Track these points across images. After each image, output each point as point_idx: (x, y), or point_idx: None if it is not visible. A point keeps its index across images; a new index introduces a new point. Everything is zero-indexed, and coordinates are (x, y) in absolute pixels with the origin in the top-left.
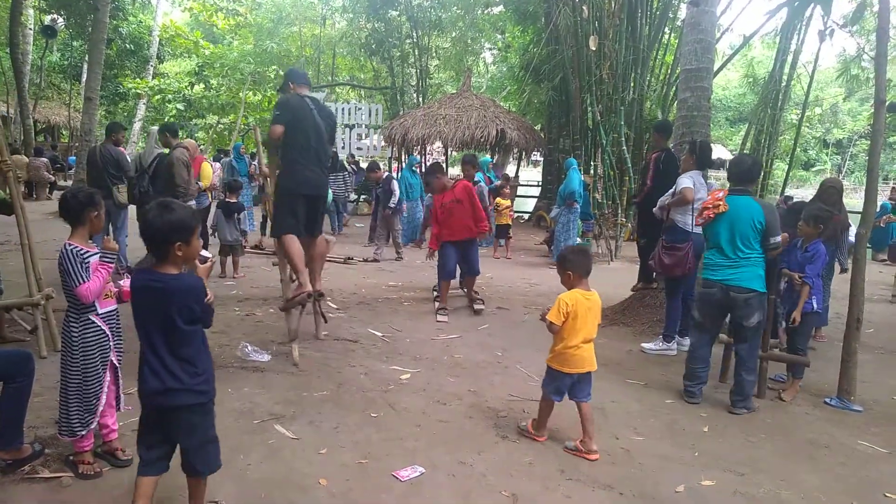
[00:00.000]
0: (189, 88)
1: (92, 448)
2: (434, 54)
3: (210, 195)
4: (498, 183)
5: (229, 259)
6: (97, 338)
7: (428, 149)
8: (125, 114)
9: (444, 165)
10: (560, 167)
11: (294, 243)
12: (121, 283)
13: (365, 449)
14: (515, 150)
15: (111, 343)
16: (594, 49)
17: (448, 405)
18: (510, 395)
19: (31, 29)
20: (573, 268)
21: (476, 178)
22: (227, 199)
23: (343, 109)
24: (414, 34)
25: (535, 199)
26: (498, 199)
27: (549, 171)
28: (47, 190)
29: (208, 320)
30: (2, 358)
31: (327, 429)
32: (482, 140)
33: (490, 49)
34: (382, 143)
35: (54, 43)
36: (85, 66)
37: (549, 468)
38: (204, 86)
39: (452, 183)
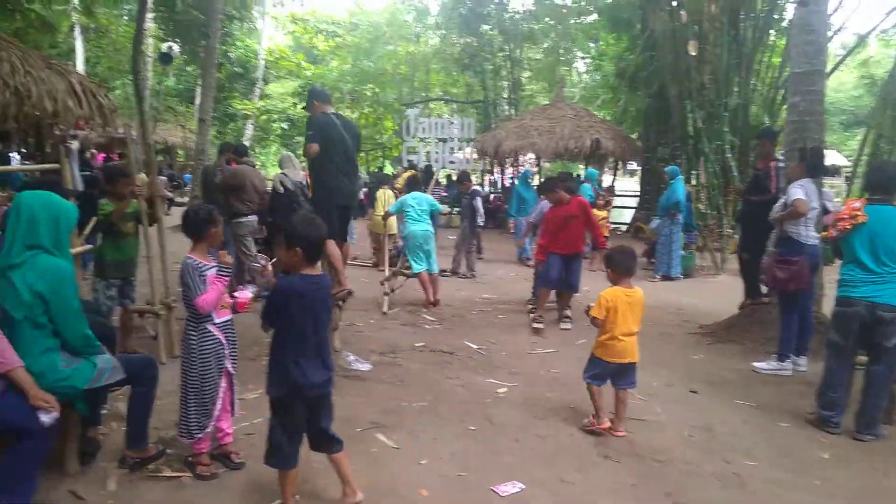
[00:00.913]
0: (292, 108)
1: (209, 450)
2: (526, 66)
3: None
4: (603, 197)
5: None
6: (213, 346)
7: (520, 160)
8: (234, 133)
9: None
10: (659, 176)
11: (334, 247)
12: (236, 294)
13: (463, 461)
14: (611, 160)
15: (226, 351)
16: (694, 54)
17: (546, 420)
18: (611, 413)
19: (150, 57)
20: (615, 267)
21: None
22: None
23: (436, 124)
24: (506, 47)
25: (633, 210)
26: (594, 211)
27: (648, 181)
28: (166, 206)
29: None
30: (130, 363)
31: (426, 439)
32: (576, 151)
33: (583, 58)
34: (475, 156)
35: (170, 69)
36: (198, 90)
37: (655, 491)
38: (305, 105)
39: (569, 198)
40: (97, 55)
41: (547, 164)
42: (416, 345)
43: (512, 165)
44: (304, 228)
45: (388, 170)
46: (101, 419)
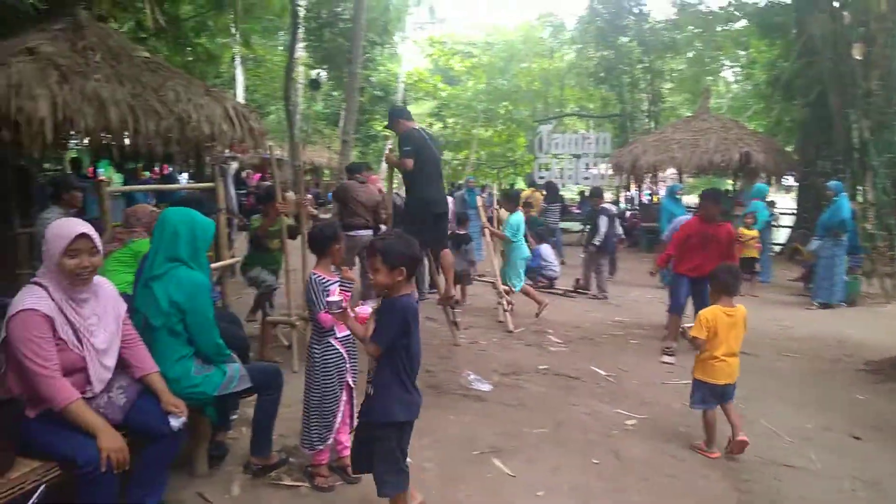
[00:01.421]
0: (429, 128)
1: (328, 462)
2: (667, 77)
3: None
4: (752, 215)
5: (457, 287)
6: (335, 359)
7: (659, 175)
8: (375, 154)
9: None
10: (818, 192)
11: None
12: (357, 309)
13: (584, 497)
14: (763, 175)
15: (347, 364)
16: (860, 58)
17: (679, 459)
18: (755, 456)
19: (300, 83)
20: (716, 285)
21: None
22: (457, 231)
23: (570, 140)
24: (645, 58)
25: (789, 230)
26: (742, 229)
27: (806, 198)
28: (311, 223)
29: None
30: (259, 372)
31: (545, 469)
32: (722, 165)
33: (731, 67)
34: (610, 172)
35: (318, 94)
36: (342, 113)
37: None
38: (442, 125)
39: (722, 219)
40: (255, 83)
41: (690, 180)
42: (540, 367)
43: (651, 182)
44: (405, 249)
45: (521, 185)
46: (231, 424)
